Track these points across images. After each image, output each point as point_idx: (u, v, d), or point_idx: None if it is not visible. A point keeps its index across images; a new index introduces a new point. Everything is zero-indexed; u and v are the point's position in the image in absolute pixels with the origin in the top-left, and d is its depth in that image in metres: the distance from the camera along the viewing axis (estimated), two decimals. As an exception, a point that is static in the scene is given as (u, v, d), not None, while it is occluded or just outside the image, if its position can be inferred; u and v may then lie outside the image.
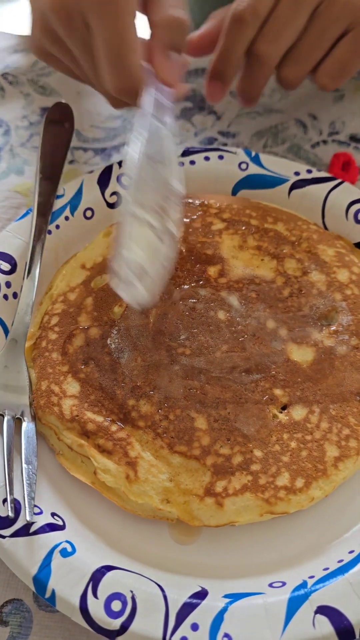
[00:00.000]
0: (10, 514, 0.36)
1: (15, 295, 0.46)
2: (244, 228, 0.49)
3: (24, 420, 0.40)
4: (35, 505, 0.37)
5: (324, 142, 0.61)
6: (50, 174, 0.51)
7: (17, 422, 0.41)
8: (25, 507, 0.36)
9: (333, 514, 0.40)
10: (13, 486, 0.37)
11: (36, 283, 0.45)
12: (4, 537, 0.36)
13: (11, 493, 0.37)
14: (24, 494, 0.37)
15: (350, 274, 0.47)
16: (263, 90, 0.54)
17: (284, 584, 0.36)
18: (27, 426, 0.40)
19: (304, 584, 0.35)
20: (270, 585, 0.36)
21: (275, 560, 0.38)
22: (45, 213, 0.48)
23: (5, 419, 0.40)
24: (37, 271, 0.46)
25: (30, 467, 0.38)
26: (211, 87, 0.52)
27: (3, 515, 0.36)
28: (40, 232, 0.47)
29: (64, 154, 0.54)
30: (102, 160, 0.60)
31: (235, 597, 0.35)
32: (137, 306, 0.42)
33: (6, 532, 0.36)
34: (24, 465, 0.38)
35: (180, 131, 0.63)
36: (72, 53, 0.49)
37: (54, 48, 0.51)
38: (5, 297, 0.45)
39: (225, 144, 0.61)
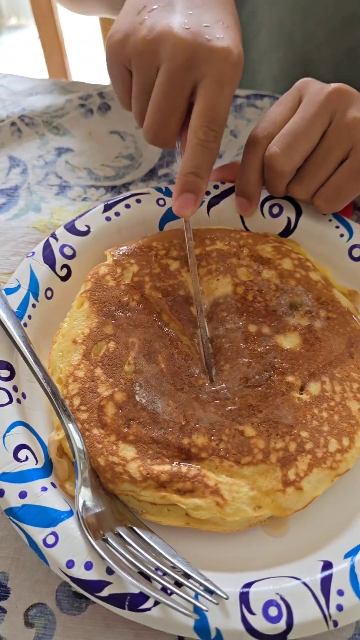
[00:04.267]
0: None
1: (24, 395, 0.46)
2: None
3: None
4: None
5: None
6: None
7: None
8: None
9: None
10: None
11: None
12: (148, 609, 0.37)
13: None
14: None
15: (292, 260, 0.55)
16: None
17: None
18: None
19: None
20: (367, 530, 0.43)
21: (354, 510, 0.45)
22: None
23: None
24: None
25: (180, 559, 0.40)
26: (238, 202, 0.57)
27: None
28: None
29: None
30: (113, 197, 0.62)
31: (352, 552, 0.41)
32: None
33: (150, 603, 0.37)
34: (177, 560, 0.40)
35: None
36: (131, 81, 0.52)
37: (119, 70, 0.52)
38: (19, 400, 0.46)
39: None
